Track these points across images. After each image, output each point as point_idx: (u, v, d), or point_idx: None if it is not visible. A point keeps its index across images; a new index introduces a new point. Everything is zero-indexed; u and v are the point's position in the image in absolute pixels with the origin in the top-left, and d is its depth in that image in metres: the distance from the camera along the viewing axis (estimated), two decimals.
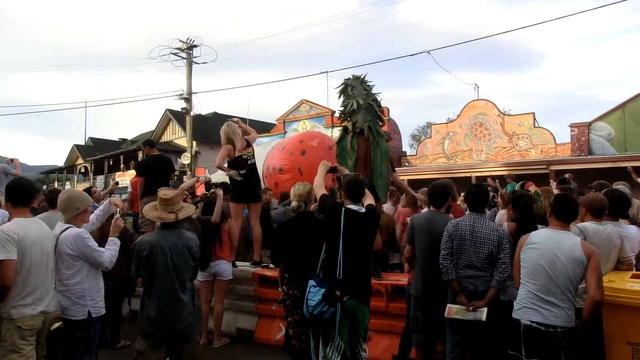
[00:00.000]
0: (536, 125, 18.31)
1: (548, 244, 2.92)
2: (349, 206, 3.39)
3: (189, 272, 3.40)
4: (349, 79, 5.37)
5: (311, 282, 3.29)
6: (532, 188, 5.50)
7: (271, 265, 5.26)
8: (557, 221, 3.00)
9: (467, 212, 3.67)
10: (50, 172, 40.65)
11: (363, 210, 3.38)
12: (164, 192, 3.41)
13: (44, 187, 30.52)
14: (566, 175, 7.74)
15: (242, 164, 5.42)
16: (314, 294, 3.21)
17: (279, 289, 3.97)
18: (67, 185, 32.67)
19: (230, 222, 5.46)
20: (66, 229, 3.38)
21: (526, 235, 3.09)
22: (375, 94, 5.27)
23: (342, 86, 5.36)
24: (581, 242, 2.92)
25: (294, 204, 3.89)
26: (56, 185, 32.28)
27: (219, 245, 5.20)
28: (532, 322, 2.86)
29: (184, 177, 23.20)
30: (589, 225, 3.31)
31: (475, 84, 21.53)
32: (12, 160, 7.69)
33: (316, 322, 3.32)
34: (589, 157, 16.32)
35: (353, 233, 3.29)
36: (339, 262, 3.25)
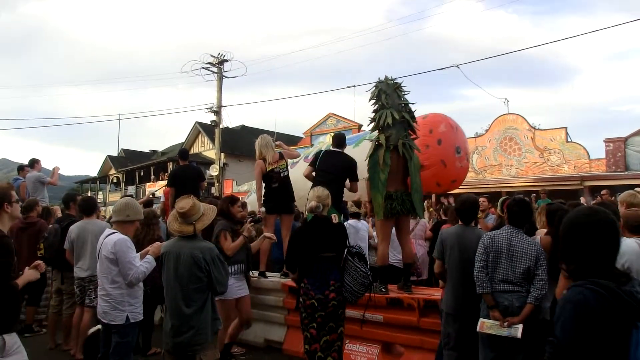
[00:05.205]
0: (569, 140, 17.83)
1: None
2: None
3: (195, 283, 3.15)
4: (381, 82, 5.04)
5: None
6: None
7: None
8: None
9: (505, 225, 3.59)
10: (84, 182, 42.09)
11: None
12: (180, 205, 3.28)
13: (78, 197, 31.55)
14: (603, 192, 7.51)
15: (275, 178, 5.53)
16: None
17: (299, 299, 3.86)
18: (100, 195, 33.75)
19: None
20: (111, 233, 3.51)
21: None
22: (409, 103, 5.03)
23: (373, 89, 5.06)
24: None
25: (312, 203, 3.76)
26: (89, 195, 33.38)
27: None
28: None
29: (212, 188, 23.62)
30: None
31: (505, 99, 21.21)
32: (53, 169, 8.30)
33: None
34: (626, 173, 15.73)
35: None
36: None
